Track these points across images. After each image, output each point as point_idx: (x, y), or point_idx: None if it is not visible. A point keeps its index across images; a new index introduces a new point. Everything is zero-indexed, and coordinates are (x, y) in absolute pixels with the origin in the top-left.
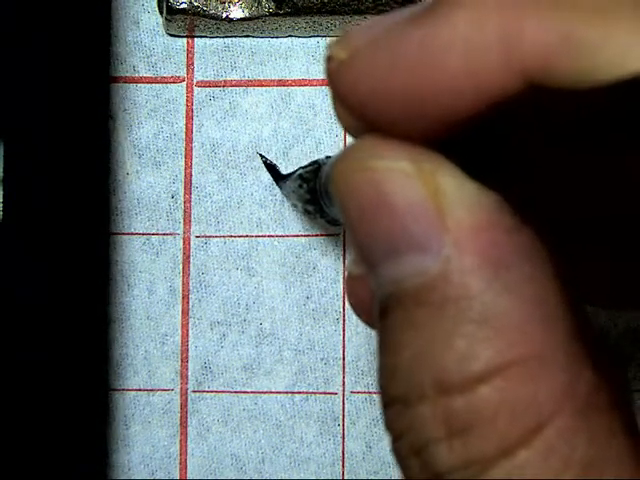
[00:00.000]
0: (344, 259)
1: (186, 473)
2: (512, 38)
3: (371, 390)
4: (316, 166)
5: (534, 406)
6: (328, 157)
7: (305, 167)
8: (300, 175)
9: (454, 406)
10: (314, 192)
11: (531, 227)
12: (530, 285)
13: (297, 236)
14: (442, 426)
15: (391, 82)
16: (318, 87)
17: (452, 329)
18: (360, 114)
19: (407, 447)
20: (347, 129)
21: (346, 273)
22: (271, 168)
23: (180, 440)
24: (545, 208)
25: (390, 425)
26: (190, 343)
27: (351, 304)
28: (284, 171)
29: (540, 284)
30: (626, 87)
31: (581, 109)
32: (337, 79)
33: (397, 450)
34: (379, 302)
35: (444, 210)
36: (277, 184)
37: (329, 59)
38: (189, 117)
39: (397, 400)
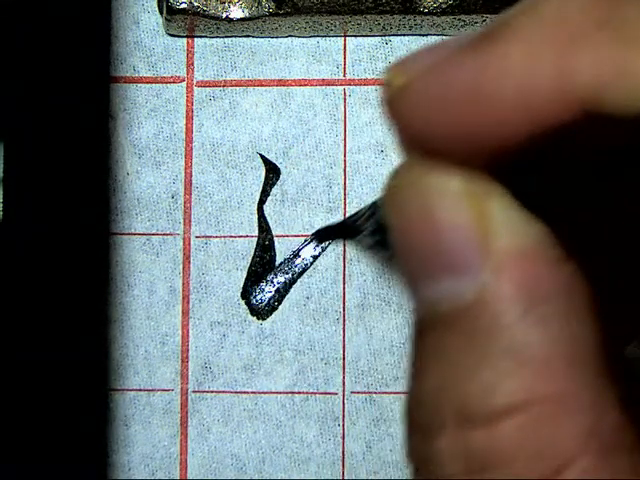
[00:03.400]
0: (344, 259)
1: (186, 473)
2: (567, 70)
3: (371, 390)
4: None
5: (555, 448)
6: None
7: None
8: (374, 203)
9: (473, 442)
10: (384, 222)
11: (574, 262)
12: (564, 322)
13: (297, 236)
14: (460, 463)
15: (445, 111)
16: (318, 87)
17: (480, 358)
18: (415, 139)
19: None
20: (404, 151)
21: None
22: (335, 229)
23: (180, 440)
24: (593, 243)
25: (410, 454)
26: (190, 343)
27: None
28: (283, 170)
29: (574, 321)
30: None
31: (634, 139)
32: (393, 106)
33: None
34: (416, 323)
35: (488, 235)
36: (343, 226)
37: (385, 86)
38: (189, 117)
39: (418, 429)
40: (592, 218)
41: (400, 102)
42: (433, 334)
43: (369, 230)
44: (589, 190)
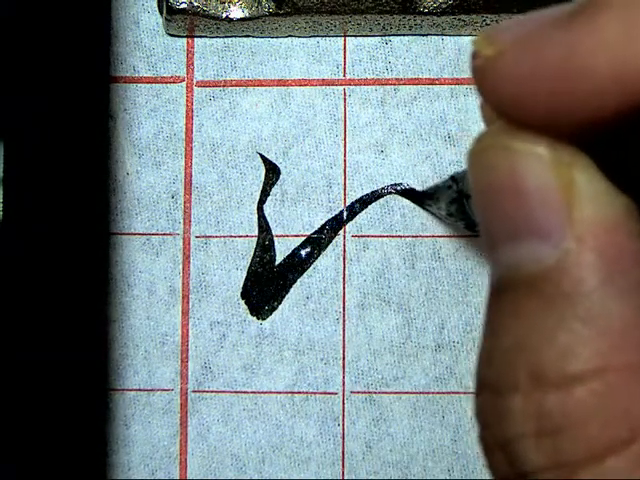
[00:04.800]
0: (344, 259)
1: (186, 473)
2: None
3: (371, 390)
4: None
5: (629, 416)
6: None
7: (459, 172)
8: (452, 176)
9: (547, 403)
10: (460, 193)
11: None
12: None
13: (297, 236)
14: (532, 423)
15: (535, 83)
16: (318, 87)
17: (557, 323)
18: (503, 108)
19: (493, 439)
20: (488, 123)
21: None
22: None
23: (180, 440)
24: None
25: (478, 413)
26: (190, 343)
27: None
28: (283, 170)
29: None
30: None
31: None
32: (482, 76)
33: (483, 440)
34: (493, 283)
35: (573, 203)
36: (423, 194)
37: (475, 55)
38: (189, 117)
39: (489, 387)
40: None
41: (489, 72)
42: (512, 295)
43: (447, 200)
44: None
